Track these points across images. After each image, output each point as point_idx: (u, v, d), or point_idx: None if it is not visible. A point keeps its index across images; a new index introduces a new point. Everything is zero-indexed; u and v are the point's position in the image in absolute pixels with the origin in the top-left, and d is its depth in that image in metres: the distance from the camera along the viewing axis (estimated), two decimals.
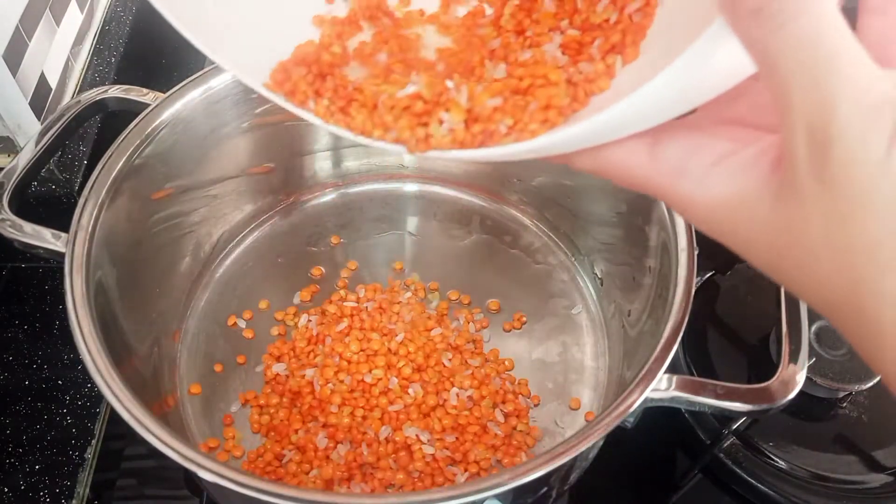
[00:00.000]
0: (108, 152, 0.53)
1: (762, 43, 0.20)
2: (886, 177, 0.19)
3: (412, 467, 0.53)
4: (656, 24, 0.26)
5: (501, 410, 0.56)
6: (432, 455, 0.53)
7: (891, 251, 0.20)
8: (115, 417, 0.57)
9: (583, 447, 0.40)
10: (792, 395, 0.43)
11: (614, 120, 0.23)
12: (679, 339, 0.45)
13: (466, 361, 0.59)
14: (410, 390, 0.56)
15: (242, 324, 0.62)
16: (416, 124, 0.26)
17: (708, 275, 0.65)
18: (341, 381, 0.56)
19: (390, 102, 0.27)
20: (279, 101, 0.29)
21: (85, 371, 0.43)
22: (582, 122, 0.24)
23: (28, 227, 0.50)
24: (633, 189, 0.25)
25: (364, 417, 0.55)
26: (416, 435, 0.54)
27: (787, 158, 0.21)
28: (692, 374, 0.54)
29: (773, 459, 0.56)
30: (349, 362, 0.57)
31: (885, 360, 0.21)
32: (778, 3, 0.19)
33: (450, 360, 0.58)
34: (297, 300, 0.64)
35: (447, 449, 0.53)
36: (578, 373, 0.60)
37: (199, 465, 0.40)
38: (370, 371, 0.56)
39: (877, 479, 0.55)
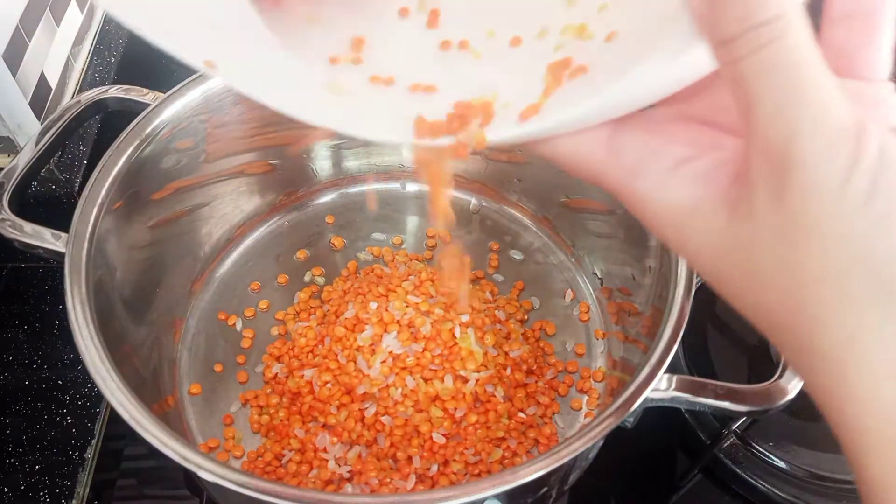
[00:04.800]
0: (108, 152, 0.53)
1: (735, 64, 0.19)
2: (839, 208, 0.19)
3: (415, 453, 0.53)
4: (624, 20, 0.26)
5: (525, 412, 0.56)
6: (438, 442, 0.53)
7: (833, 287, 0.20)
8: (115, 417, 0.57)
9: (583, 447, 0.40)
10: (792, 395, 0.43)
11: (582, 113, 0.23)
12: (679, 339, 0.45)
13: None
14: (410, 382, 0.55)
15: (242, 324, 0.62)
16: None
17: None
18: (339, 383, 0.56)
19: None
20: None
21: (85, 371, 0.43)
22: (553, 114, 0.23)
23: (28, 227, 0.50)
24: (586, 181, 0.25)
25: (361, 416, 0.55)
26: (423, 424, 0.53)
27: (746, 176, 0.21)
28: (692, 375, 0.54)
29: (773, 459, 0.55)
30: (345, 362, 0.57)
31: (818, 385, 0.22)
32: (755, 31, 0.19)
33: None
34: (297, 300, 0.64)
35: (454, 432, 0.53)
36: (578, 372, 0.60)
37: (198, 465, 0.40)
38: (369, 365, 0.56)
39: None
